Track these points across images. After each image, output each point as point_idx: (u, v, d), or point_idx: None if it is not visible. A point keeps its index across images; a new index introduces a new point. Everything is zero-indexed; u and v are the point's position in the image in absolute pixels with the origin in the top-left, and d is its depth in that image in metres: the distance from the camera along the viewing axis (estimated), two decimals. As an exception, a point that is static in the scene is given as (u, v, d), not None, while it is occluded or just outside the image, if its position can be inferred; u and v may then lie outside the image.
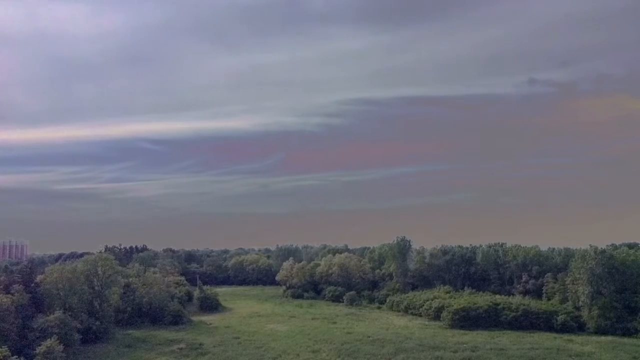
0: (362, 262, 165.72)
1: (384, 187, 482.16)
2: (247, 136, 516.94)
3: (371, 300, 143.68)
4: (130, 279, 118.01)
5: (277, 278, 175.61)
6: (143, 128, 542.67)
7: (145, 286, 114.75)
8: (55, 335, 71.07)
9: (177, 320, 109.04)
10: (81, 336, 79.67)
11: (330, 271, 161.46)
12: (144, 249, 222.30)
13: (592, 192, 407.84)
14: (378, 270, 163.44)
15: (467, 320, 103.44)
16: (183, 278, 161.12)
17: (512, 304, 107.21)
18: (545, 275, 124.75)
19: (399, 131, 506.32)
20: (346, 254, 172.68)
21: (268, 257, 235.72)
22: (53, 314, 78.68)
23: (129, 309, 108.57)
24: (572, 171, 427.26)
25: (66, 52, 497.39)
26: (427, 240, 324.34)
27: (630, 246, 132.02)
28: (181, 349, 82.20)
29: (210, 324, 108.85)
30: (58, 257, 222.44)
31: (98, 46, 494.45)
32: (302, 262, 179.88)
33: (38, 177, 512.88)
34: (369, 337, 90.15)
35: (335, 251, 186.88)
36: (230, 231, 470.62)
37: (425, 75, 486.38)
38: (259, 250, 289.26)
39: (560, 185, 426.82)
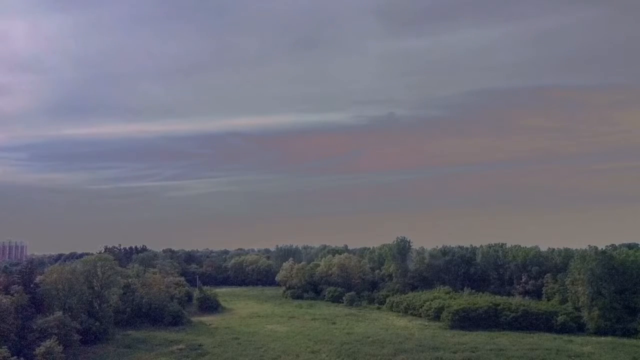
0: (361, 263, 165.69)
1: (409, 187, 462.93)
2: (339, 130, 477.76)
3: (371, 300, 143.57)
4: (130, 280, 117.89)
5: (277, 279, 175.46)
6: (244, 122, 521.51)
7: (144, 287, 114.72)
8: (54, 336, 71.07)
9: (176, 320, 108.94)
10: (81, 337, 79.51)
11: (330, 272, 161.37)
12: (144, 249, 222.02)
13: (592, 193, 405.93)
14: (378, 271, 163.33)
15: (467, 320, 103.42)
16: (183, 279, 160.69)
17: (511, 304, 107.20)
18: (545, 276, 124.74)
19: (496, 125, 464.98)
20: (346, 254, 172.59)
21: (268, 257, 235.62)
22: (52, 315, 78.51)
23: (128, 309, 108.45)
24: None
25: (219, 40, 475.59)
26: (428, 240, 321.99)
27: (630, 246, 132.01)
28: (181, 349, 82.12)
29: (210, 324, 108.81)
30: (57, 258, 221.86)
31: (255, 32, 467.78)
32: (302, 263, 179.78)
33: (99, 174, 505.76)
34: (369, 337, 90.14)
35: (335, 252, 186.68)
36: (253, 231, 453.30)
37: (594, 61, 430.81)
38: (259, 251, 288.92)
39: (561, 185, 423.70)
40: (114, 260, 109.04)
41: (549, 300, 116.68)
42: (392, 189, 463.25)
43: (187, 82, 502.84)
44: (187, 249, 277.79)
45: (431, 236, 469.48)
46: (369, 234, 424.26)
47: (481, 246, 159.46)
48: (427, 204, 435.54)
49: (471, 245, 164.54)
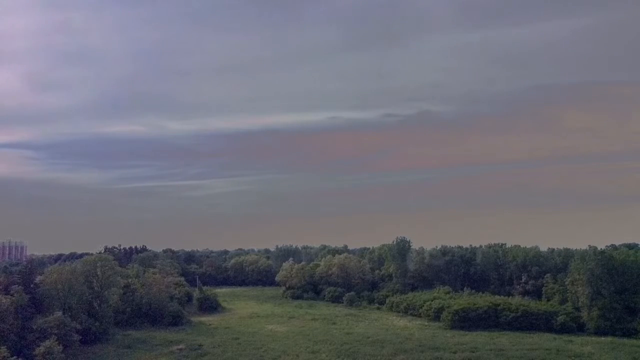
0: (361, 263, 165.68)
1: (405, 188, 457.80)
2: (373, 128, 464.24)
3: (371, 300, 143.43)
4: (130, 280, 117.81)
5: (277, 279, 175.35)
6: (281, 119, 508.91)
7: (144, 287, 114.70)
8: (54, 336, 71.06)
9: (176, 321, 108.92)
10: (80, 337, 79.43)
11: (329, 272, 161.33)
12: (144, 249, 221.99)
13: (591, 193, 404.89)
14: (378, 271, 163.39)
15: (467, 321, 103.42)
16: (182, 279, 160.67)
17: (511, 304, 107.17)
18: (545, 276, 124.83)
19: (531, 124, 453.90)
20: (346, 254, 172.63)
21: (267, 257, 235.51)
22: (52, 315, 78.47)
23: (128, 309, 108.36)
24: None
25: (265, 37, 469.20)
26: (428, 240, 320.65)
27: (630, 246, 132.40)
28: (181, 349, 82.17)
29: (210, 324, 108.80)
30: (57, 258, 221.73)
31: (304, 29, 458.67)
32: (302, 263, 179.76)
33: (112, 174, 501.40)
34: (369, 337, 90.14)
35: (335, 252, 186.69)
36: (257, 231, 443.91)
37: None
38: (259, 251, 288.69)
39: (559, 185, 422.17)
40: (114, 260, 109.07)
41: (548, 300, 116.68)
42: (398, 189, 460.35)
43: (231, 79, 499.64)
44: (187, 249, 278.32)
45: (431, 236, 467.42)
46: (369, 234, 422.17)
47: (481, 246, 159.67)
48: (427, 204, 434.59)
49: (471, 245, 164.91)
